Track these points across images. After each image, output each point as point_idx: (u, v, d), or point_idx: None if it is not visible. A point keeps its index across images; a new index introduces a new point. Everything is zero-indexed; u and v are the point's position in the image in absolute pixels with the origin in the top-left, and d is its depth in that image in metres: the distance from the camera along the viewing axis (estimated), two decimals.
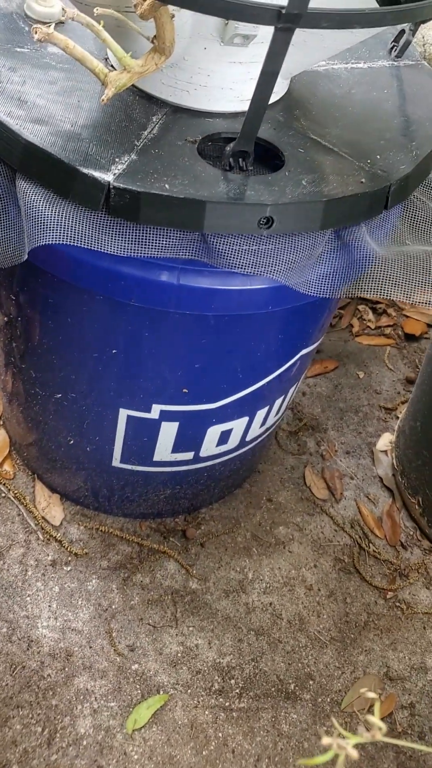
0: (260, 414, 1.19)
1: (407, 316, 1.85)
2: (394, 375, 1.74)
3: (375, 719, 0.58)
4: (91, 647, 1.22)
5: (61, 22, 0.95)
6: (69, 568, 1.30)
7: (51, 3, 0.93)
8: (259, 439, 1.30)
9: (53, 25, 0.93)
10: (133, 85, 0.89)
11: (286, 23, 0.66)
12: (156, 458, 1.19)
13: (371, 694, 0.62)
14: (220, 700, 1.21)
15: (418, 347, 1.81)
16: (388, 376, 1.73)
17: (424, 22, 0.93)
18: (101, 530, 1.34)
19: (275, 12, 0.65)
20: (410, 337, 1.82)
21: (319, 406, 1.64)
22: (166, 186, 0.76)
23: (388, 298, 0.86)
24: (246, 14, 0.66)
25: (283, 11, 0.64)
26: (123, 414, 1.09)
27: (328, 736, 0.56)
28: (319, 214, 0.80)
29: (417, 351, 1.80)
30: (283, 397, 1.22)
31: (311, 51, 0.84)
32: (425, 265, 0.85)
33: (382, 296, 0.85)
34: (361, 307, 1.84)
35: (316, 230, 0.82)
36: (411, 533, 1.47)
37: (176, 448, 1.17)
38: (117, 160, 0.78)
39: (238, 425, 1.18)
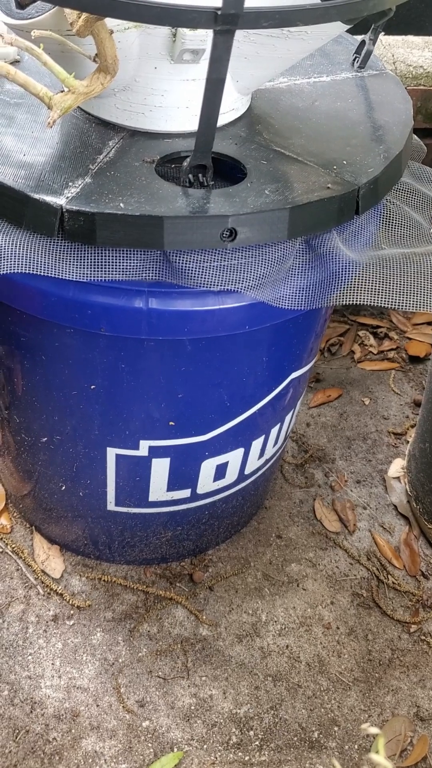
0: (256, 444, 1.14)
1: (410, 338, 1.80)
2: (401, 399, 1.68)
3: (379, 758, 0.52)
4: (98, 705, 1.15)
5: (17, 61, 0.94)
6: (72, 623, 1.24)
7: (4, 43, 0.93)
8: (260, 472, 1.24)
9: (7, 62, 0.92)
10: (88, 113, 0.88)
11: (224, 25, 0.64)
12: (152, 498, 1.14)
13: (373, 729, 0.55)
14: (239, 754, 1.12)
15: (423, 369, 1.75)
16: (395, 400, 1.67)
17: (376, 21, 0.92)
18: (104, 580, 1.29)
19: (211, 14, 0.63)
20: (415, 359, 1.76)
21: (325, 436, 1.58)
22: (121, 205, 0.73)
23: (369, 305, 0.82)
24: (181, 19, 0.64)
25: (219, 12, 0.63)
26: (111, 453, 1.05)
27: None
28: (284, 223, 0.77)
29: (423, 373, 1.74)
30: (279, 425, 1.18)
31: (265, 63, 0.82)
32: (403, 268, 0.81)
33: (361, 303, 0.81)
34: (361, 333, 1.80)
35: (284, 240, 0.78)
36: (431, 561, 1.39)
37: (171, 486, 1.12)
38: (70, 184, 0.76)
39: (233, 457, 1.13)
